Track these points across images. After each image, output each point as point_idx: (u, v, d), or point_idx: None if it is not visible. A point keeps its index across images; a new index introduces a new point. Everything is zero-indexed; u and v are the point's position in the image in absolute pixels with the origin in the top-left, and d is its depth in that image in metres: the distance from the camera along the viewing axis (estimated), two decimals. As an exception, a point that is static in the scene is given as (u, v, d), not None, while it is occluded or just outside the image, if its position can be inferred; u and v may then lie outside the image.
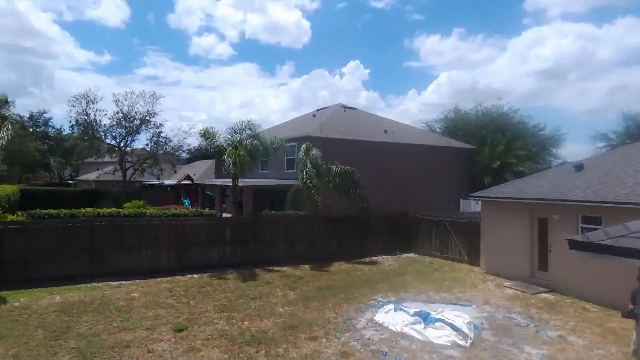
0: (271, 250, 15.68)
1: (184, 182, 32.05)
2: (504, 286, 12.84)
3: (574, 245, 3.23)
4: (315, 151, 17.25)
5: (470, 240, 15.84)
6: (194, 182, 31.32)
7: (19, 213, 16.71)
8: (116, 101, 29.84)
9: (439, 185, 24.90)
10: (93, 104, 29.56)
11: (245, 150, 15.81)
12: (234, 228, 15.05)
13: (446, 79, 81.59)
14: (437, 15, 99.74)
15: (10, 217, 13.33)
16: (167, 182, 35.65)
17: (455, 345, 8.16)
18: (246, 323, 9.27)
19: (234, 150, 15.54)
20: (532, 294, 11.95)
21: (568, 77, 76.83)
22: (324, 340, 8.39)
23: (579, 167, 13.30)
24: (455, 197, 25.29)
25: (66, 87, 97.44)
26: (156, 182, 35.42)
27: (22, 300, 10.59)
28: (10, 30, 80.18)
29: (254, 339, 8.30)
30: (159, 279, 13.05)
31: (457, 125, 34.72)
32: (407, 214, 18.81)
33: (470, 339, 8.39)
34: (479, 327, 9.09)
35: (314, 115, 28.19)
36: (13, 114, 16.10)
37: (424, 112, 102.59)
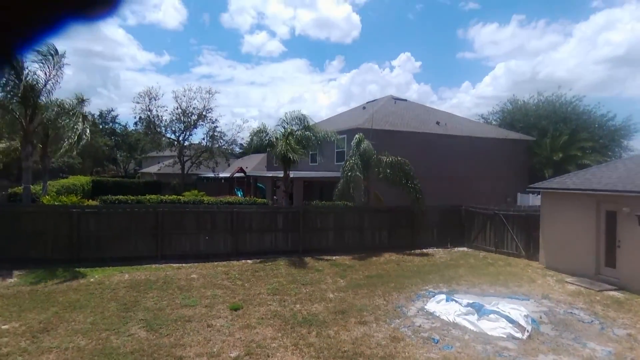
0: (321, 239, 15.95)
1: (237, 174, 33.29)
2: (566, 282, 12.16)
3: None
4: (366, 143, 17.23)
5: (528, 234, 15.12)
6: (247, 174, 32.43)
7: (92, 200, 18.33)
8: (175, 97, 31.61)
9: (494, 178, 23.92)
10: (155, 100, 31.52)
11: (295, 140, 16.13)
12: (286, 216, 15.47)
13: (503, 70, 77.73)
14: (495, 2, 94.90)
15: (87, 202, 14.65)
16: (221, 174, 37.21)
17: (511, 338, 7.89)
18: (298, 306, 9.56)
19: (284, 139, 15.92)
20: (597, 291, 11.21)
21: (644, 63, 70.07)
22: (374, 325, 8.46)
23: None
24: (512, 191, 24.16)
25: (130, 87, 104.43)
26: (211, 174, 37.09)
27: (96, 276, 11.64)
28: (81, 35, 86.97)
29: (306, 321, 8.56)
30: (215, 263, 13.76)
31: (514, 116, 33.09)
32: (460, 206, 18.28)
33: (528, 331, 8.08)
34: (537, 321, 8.73)
35: (364, 108, 28.10)
36: (87, 112, 17.62)
37: (479, 105, 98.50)
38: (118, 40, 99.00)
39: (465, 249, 17.58)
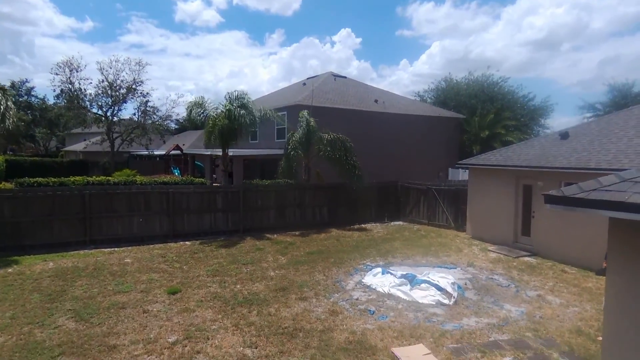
0: (262, 218, 15.91)
1: (173, 152, 31.81)
2: (488, 250, 13.30)
3: (549, 199, 3.41)
4: (311, 120, 17.17)
5: (457, 207, 16.22)
6: (184, 152, 31.12)
7: (7, 183, 16.53)
8: (101, 69, 29.04)
9: (428, 154, 25.16)
10: (77, 72, 28.76)
11: (233, 120, 15.68)
12: (225, 196, 15.16)
13: (439, 49, 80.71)
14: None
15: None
16: (156, 152, 35.32)
17: (440, 304, 8.54)
18: (238, 286, 9.54)
19: (222, 119, 15.40)
20: (515, 258, 12.41)
21: (561, 47, 76.39)
22: (314, 300, 8.71)
23: (564, 135, 13.53)
24: (444, 167, 25.61)
25: (47, 56, 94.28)
26: (145, 152, 35.06)
27: (15, 266, 10.71)
28: (-16, -6, 76.42)
29: (246, 301, 8.59)
30: (151, 246, 13.24)
31: (447, 95, 34.72)
32: (396, 182, 19.07)
33: (454, 298, 8.79)
34: (462, 288, 9.50)
35: (304, 84, 27.90)
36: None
37: (416, 83, 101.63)
38: (30, 1, 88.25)
39: (401, 222, 18.48)
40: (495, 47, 78.43)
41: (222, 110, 16.14)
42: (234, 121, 15.46)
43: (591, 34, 71.27)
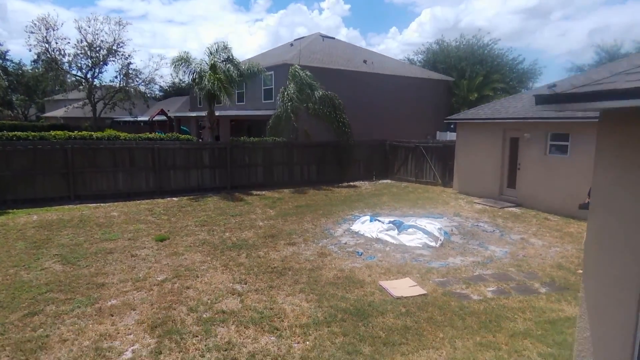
0: (250, 175, 15.82)
1: (157, 117, 31.09)
2: (474, 202, 13.51)
3: (540, 100, 3.36)
4: (303, 73, 16.80)
5: (445, 164, 16.33)
6: (169, 116, 30.44)
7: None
8: (79, 28, 27.80)
9: (417, 116, 25.07)
10: (53, 30, 27.47)
11: (219, 74, 15.26)
12: (212, 152, 14.97)
13: (429, 17, 79.07)
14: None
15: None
16: (140, 117, 34.52)
17: (426, 247, 8.69)
18: (227, 234, 9.55)
19: (211, 73, 14.94)
20: (500, 208, 12.64)
21: (551, 16, 75.46)
22: (303, 245, 8.78)
23: (551, 86, 13.46)
24: (432, 129, 25.61)
25: (21, 21, 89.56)
26: (129, 118, 34.26)
27: (-2, 219, 10.52)
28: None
29: (235, 245, 8.61)
30: (138, 201, 13.10)
31: (437, 57, 34.33)
32: (385, 141, 19.05)
33: (440, 241, 8.95)
34: (448, 233, 9.67)
35: (292, 45, 27.22)
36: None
37: (406, 52, 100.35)
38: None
39: (389, 180, 18.60)
40: (486, 16, 77.11)
41: (207, 64, 15.66)
42: (220, 75, 15.01)
43: (581, 3, 70.52)
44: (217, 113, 18.55)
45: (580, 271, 7.18)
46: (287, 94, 16.36)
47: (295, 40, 29.68)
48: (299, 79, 16.55)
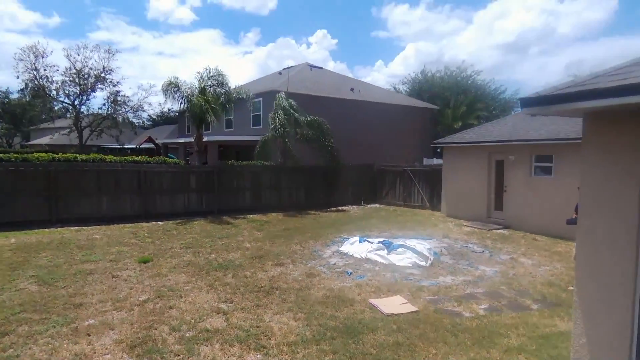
0: (237, 200, 15.65)
1: (145, 144, 30.97)
2: (463, 225, 13.51)
3: (525, 102, 3.40)
4: (286, 101, 17.05)
5: (432, 188, 16.43)
6: (156, 144, 30.33)
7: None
8: (68, 56, 27.90)
9: (403, 144, 25.39)
10: (42, 58, 27.53)
11: (211, 97, 15.34)
12: (200, 176, 14.83)
13: (413, 50, 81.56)
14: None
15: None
16: (127, 145, 34.27)
17: (417, 266, 8.58)
18: (213, 255, 9.31)
19: (200, 96, 15.03)
20: (488, 230, 12.65)
21: (529, 51, 78.72)
22: (291, 266, 8.58)
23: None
24: (419, 156, 25.92)
25: (11, 51, 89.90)
26: (115, 145, 33.96)
27: (-27, 242, 10.10)
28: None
29: (221, 266, 8.38)
30: (121, 225, 12.78)
31: (422, 87, 35.24)
32: (372, 165, 19.17)
33: (430, 260, 8.85)
34: (438, 253, 9.58)
35: (280, 73, 27.74)
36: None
37: (391, 83, 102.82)
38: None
39: (377, 205, 18.59)
40: (468, 50, 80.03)
41: (197, 88, 15.76)
42: (208, 97, 15.09)
43: (558, 39, 73.88)
44: (205, 138, 18.55)
45: (571, 288, 7.12)
46: (278, 119, 16.48)
47: (283, 69, 30.27)
48: (283, 107, 16.76)
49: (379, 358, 4.66)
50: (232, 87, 17.22)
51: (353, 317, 5.83)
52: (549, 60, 76.84)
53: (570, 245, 10.10)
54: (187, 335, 5.15)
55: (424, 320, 5.77)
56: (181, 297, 6.57)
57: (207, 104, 14.34)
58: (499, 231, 12.63)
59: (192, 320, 5.59)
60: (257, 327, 5.44)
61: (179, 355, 4.61)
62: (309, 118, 16.96)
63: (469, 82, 34.32)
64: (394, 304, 6.32)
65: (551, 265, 8.81)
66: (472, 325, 5.64)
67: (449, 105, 31.29)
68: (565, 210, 10.40)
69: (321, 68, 30.53)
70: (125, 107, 31.28)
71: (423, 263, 8.67)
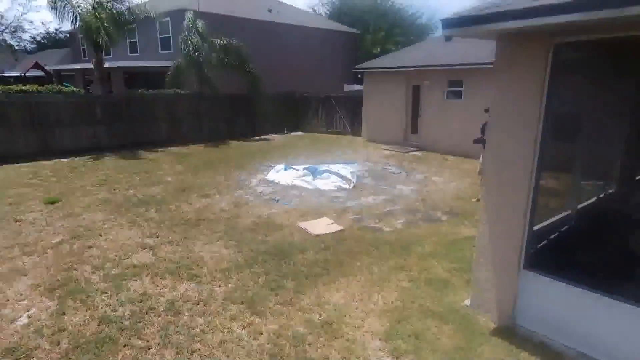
0: (152, 132, 14.60)
1: (32, 72, 26.69)
2: (382, 149, 14.22)
3: (447, 24, 3.46)
4: (201, 22, 15.53)
5: (354, 114, 16.79)
6: (46, 71, 26.31)
7: None
8: None
9: (325, 70, 25.05)
10: None
11: (108, 16, 13.36)
12: (106, 107, 13.41)
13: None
14: None
15: None
16: (8, 73, 29.32)
17: (341, 189, 8.98)
18: (131, 191, 8.79)
19: (93, 13, 12.99)
20: (405, 153, 13.50)
21: (444, -29, 79.07)
22: (217, 196, 8.46)
23: (448, 37, 14.39)
24: (340, 83, 25.93)
25: None
26: (-7, 73, 28.88)
27: None
28: None
29: (142, 202, 7.98)
30: (17, 165, 11.34)
31: (342, 10, 34.24)
32: (295, 93, 18.83)
33: (353, 183, 9.30)
34: (360, 176, 10.08)
35: (189, -11, 24.85)
36: None
37: (310, 5, 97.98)
38: None
39: (301, 133, 18.64)
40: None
41: (90, 2, 13.56)
42: (103, 17, 13.14)
43: (471, -40, 74.84)
44: (107, 64, 16.50)
45: (474, 200, 8.05)
46: (191, 42, 15.06)
47: (192, -16, 27.11)
48: (198, 28, 15.30)
49: (310, 274, 4.97)
50: (135, 2, 15.16)
51: (283, 240, 6.04)
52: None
53: (475, 163, 11.21)
54: (113, 272, 4.97)
55: (349, 237, 6.19)
56: (100, 235, 6.21)
57: (101, 22, 12.48)
58: (414, 153, 13.53)
59: (117, 258, 5.38)
60: (188, 257, 5.41)
61: (106, 292, 4.47)
62: (225, 42, 15.77)
63: (388, 5, 34.07)
64: (322, 225, 6.64)
65: (459, 181, 9.79)
66: (392, 238, 6.19)
67: (369, 31, 31.08)
68: (472, 131, 11.33)
69: (235, -16, 27.88)
70: (0, 26, 26.28)
71: (347, 186, 9.09)
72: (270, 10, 24.09)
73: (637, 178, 6.70)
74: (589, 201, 5.53)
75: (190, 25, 15.33)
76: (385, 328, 3.87)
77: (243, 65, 15.78)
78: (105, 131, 13.46)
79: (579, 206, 5.26)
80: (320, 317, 4.05)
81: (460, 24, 3.40)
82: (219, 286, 4.67)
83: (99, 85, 15.20)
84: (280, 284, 4.71)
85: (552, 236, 4.60)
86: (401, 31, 32.11)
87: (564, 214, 5.11)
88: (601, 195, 5.46)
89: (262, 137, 17.24)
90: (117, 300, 4.32)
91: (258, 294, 4.48)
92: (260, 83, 16.29)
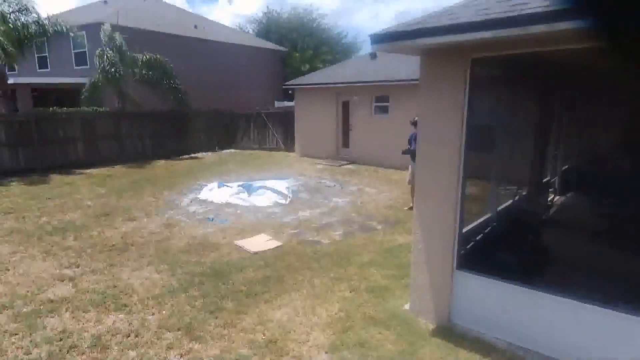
0: (68, 153, 13.41)
1: None
2: (316, 163, 14.41)
3: (376, 39, 3.62)
4: (119, 37, 14.69)
5: (286, 129, 16.86)
6: None
7: None
8: None
9: (255, 87, 24.98)
10: None
11: (8, 30, 12.14)
12: (10, 126, 12.07)
13: (258, -13, 78.18)
14: None
15: None
16: None
17: (277, 205, 8.90)
18: (45, 219, 7.93)
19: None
20: (338, 166, 13.80)
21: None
22: (145, 219, 7.94)
23: (373, 55, 15.18)
24: (270, 99, 25.98)
25: None
26: None
27: None
28: None
29: (58, 229, 7.22)
30: None
31: (269, 28, 34.59)
32: (225, 110, 18.49)
33: (290, 197, 9.28)
34: (296, 191, 10.09)
35: (106, 2, 23.57)
36: None
37: (236, 24, 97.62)
38: None
39: (233, 150, 18.27)
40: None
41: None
42: (7, 29, 11.96)
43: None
44: (11, 80, 14.97)
45: (406, 208, 8.43)
46: (107, 57, 14.19)
47: (109, -3, 25.73)
48: (116, 43, 14.49)
49: (250, 293, 4.81)
50: (45, 15, 13.96)
51: (220, 260, 5.81)
52: (382, 9, 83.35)
53: (404, 174, 11.77)
54: (25, 310, 4.39)
55: (288, 252, 6.12)
56: (8, 270, 5.49)
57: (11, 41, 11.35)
58: (347, 166, 13.89)
59: (29, 294, 4.77)
60: (115, 286, 4.97)
61: (17, 334, 3.93)
62: (147, 56, 15.10)
63: (314, 25, 35.08)
64: (260, 242, 6.50)
65: (390, 192, 10.20)
66: (331, 249, 6.23)
67: (296, 49, 31.68)
68: (399, 144, 11.92)
69: (158, -1, 26.98)
70: None
71: (283, 201, 9.04)
72: (196, 27, 23.65)
73: (544, 181, 7.49)
74: (507, 204, 6.05)
75: (107, 39, 14.47)
76: (331, 340, 3.84)
77: (169, 81, 15.17)
78: (10, 154, 12.08)
79: (499, 208, 5.73)
80: (264, 336, 3.92)
81: (388, 39, 3.59)
82: (152, 314, 4.34)
83: (2, 103, 13.66)
84: (220, 306, 4.50)
85: (478, 237, 4.94)
86: (328, 50, 33.17)
87: (486, 216, 5.53)
88: (516, 198, 6.00)
89: (192, 155, 16.61)
90: (30, 341, 3.81)
91: (196, 318, 4.23)
92: (188, 99, 15.75)
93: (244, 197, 9.08)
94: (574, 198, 8.54)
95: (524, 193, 6.79)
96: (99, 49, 14.83)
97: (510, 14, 2.88)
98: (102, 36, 14.65)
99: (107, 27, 14.76)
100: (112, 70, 13.98)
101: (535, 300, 3.57)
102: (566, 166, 9.28)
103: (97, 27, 17.01)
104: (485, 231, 5.20)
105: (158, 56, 15.23)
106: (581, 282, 4.27)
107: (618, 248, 5.47)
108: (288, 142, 16.89)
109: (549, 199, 7.19)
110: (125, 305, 4.50)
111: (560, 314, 3.46)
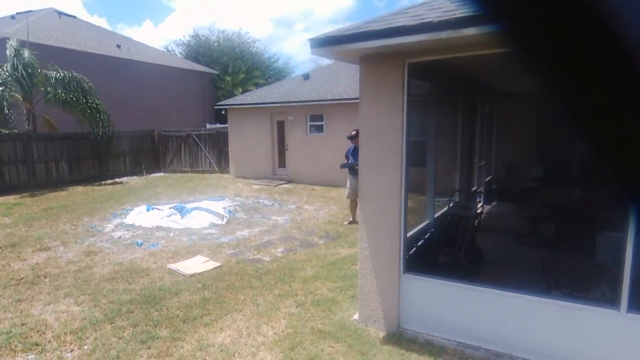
0: (-36, 181, 11.71)
1: None
2: (252, 184, 14.06)
3: (315, 43, 3.60)
4: (27, 53, 13.39)
5: (220, 151, 16.35)
6: None
7: None
8: None
9: (184, 109, 24.14)
10: None
11: None
12: None
13: (184, 14, 76.99)
14: None
15: None
16: None
17: (213, 226, 8.44)
18: None
19: None
20: (275, 186, 13.59)
21: (294, 27, 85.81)
22: (61, 248, 7.07)
23: (306, 76, 15.45)
24: (202, 122, 25.22)
25: None
26: None
27: None
28: None
29: (-51, 265, 6.15)
30: None
31: (199, 50, 33.98)
32: (152, 131, 17.53)
33: (226, 217, 8.87)
34: (232, 211, 9.69)
35: (14, 17, 21.61)
36: None
37: (164, 47, 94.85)
38: None
39: (161, 173, 17.25)
40: (242, 20, 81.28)
41: None
42: None
43: (316, 19, 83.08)
44: None
45: (346, 223, 8.45)
46: (4, 75, 12.85)
47: (17, 13, 23.62)
48: (24, 59, 13.22)
49: (187, 318, 4.40)
50: None
51: (152, 286, 5.29)
52: (311, 36, 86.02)
53: (341, 191, 11.90)
54: None
55: (228, 272, 5.76)
56: None
57: None
58: (284, 186, 13.72)
59: None
60: (23, 324, 4.27)
61: None
62: (62, 74, 13.92)
63: (245, 48, 35.11)
64: (196, 264, 6.06)
65: (329, 208, 10.19)
66: (273, 266, 5.98)
67: (228, 72, 31.37)
68: (335, 162, 12.08)
69: (75, 17, 25.35)
70: None
71: (219, 221, 8.61)
72: (119, 46, 22.50)
73: (472, 189, 7.95)
74: (442, 211, 6.28)
75: (13, 55, 13.15)
76: (279, 358, 3.59)
77: (86, 101, 14.04)
78: None
79: (435, 215, 5.92)
80: (205, 362, 3.56)
81: (327, 43, 3.59)
82: (71, 350, 3.77)
83: None
84: (153, 334, 4.04)
85: (420, 242, 5.03)
86: (260, 73, 33.27)
87: (424, 223, 5.68)
88: (450, 205, 6.26)
89: (116, 180, 15.37)
90: None
91: (125, 351, 3.74)
92: (110, 120, 14.67)
93: (176, 220, 8.50)
94: (497, 205, 9.18)
95: (457, 200, 7.13)
96: (4, 65, 13.39)
97: (442, 18, 3.02)
98: (7, 52, 13.28)
99: (13, 42, 13.42)
100: (13, 89, 12.67)
101: (475, 296, 3.66)
102: (489, 177, 10.00)
103: (2, 43, 15.45)
104: (426, 236, 5.33)
105: (75, 73, 14.10)
106: (511, 275, 4.50)
107: (536, 246, 5.90)
108: (222, 164, 16.36)
109: (478, 205, 7.62)
110: (37, 344, 3.87)
111: (497, 307, 3.57)
